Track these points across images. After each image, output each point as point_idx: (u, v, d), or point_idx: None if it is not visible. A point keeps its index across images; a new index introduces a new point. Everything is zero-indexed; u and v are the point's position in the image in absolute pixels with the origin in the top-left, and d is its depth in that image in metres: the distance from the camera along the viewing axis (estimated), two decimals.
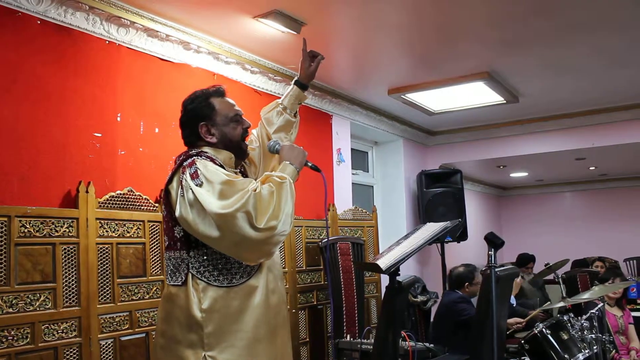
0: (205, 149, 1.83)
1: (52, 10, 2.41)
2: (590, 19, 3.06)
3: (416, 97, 4.41)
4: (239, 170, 1.96)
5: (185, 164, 1.74)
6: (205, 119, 1.84)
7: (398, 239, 2.27)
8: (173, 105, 2.86)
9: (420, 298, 4.09)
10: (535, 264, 6.03)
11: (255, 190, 1.64)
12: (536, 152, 5.35)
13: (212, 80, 3.14)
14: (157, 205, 2.65)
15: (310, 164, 1.92)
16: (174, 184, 1.75)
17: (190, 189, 1.66)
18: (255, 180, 1.81)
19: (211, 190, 1.64)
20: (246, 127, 1.89)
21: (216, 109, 1.84)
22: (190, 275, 1.72)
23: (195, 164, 1.71)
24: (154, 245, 2.61)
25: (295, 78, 2.22)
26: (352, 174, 4.69)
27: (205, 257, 1.71)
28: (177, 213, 1.70)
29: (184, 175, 1.70)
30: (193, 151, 1.83)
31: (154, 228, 2.61)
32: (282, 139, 2.14)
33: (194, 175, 1.68)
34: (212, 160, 1.76)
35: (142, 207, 2.59)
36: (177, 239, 1.76)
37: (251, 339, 1.73)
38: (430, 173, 5.30)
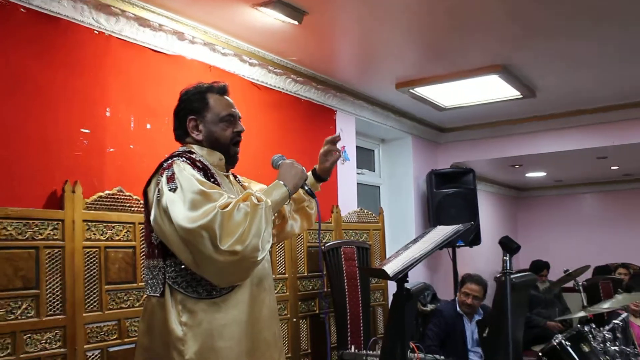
0: (195, 147, 1.84)
1: None
2: (611, 9, 3.04)
3: (426, 91, 4.39)
4: (232, 175, 1.95)
5: (164, 165, 1.74)
6: (195, 113, 1.84)
7: (406, 243, 2.24)
8: (166, 99, 2.86)
9: (430, 307, 4.08)
10: (549, 271, 6.02)
11: (225, 207, 1.61)
12: (554, 150, 5.33)
13: (208, 73, 3.14)
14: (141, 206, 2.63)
15: (307, 188, 1.92)
16: (152, 186, 1.75)
17: (165, 193, 1.65)
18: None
19: (182, 198, 1.62)
20: (238, 131, 1.88)
21: (209, 105, 1.84)
22: (167, 285, 1.70)
23: (173, 166, 1.70)
24: (145, 250, 2.55)
25: (315, 166, 2.15)
26: (357, 173, 4.69)
27: (182, 266, 1.69)
28: (151, 218, 1.69)
29: (161, 178, 1.69)
30: (178, 150, 1.83)
31: (144, 231, 2.56)
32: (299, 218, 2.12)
33: (170, 179, 1.66)
34: (193, 162, 1.74)
35: (133, 209, 2.58)
36: (154, 246, 1.75)
37: (236, 357, 1.70)
38: (440, 172, 5.29)
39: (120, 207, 2.54)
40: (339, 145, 2.16)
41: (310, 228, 2.20)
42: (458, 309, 3.68)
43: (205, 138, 1.83)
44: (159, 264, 1.73)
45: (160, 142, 2.84)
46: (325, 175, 2.10)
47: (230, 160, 1.90)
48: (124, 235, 2.53)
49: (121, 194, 2.56)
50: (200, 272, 1.65)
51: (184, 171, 1.67)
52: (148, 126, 2.83)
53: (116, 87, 2.72)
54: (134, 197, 2.60)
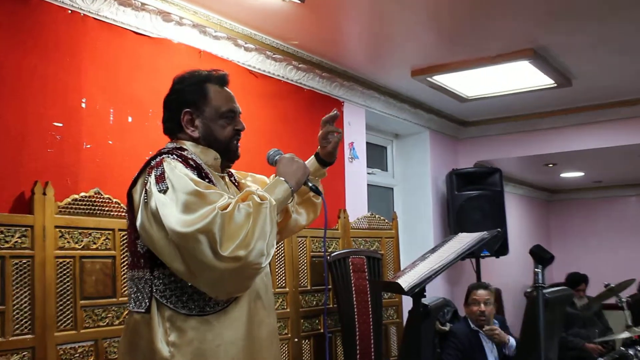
0: (188, 144, 1.84)
1: None
2: None
3: (445, 79, 4.37)
4: (227, 176, 1.96)
5: (152, 163, 1.74)
6: (191, 105, 1.84)
7: (424, 253, 2.36)
8: (150, 88, 2.88)
9: (450, 326, 4.06)
10: (588, 286, 5.99)
11: (225, 208, 1.62)
12: (593, 147, 5.33)
13: (198, 58, 3.14)
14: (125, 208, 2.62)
15: (311, 184, 1.93)
16: (138, 187, 1.75)
17: (154, 195, 1.65)
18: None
19: (175, 200, 1.63)
20: (238, 129, 1.90)
21: (208, 97, 1.85)
22: (154, 300, 1.70)
23: (163, 164, 1.70)
24: (126, 259, 2.53)
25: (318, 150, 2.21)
26: (368, 173, 4.67)
27: (172, 278, 1.70)
28: (137, 223, 1.69)
29: (149, 178, 1.69)
30: (168, 146, 1.84)
31: (126, 238, 2.56)
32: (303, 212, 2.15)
33: (160, 179, 1.67)
34: (186, 161, 1.75)
35: (112, 213, 2.58)
36: (139, 255, 1.75)
37: None
38: (462, 172, 5.29)
39: (98, 212, 2.54)
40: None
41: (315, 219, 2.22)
42: (472, 325, 3.70)
43: (202, 135, 1.84)
44: (145, 276, 1.73)
45: (144, 137, 2.84)
46: (330, 158, 2.13)
47: (231, 158, 1.91)
48: (102, 243, 2.52)
49: (99, 196, 2.56)
50: (196, 283, 1.66)
51: (175, 169, 1.68)
52: (130, 119, 2.82)
53: (93, 75, 2.72)
54: (114, 199, 2.60)
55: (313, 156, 2.15)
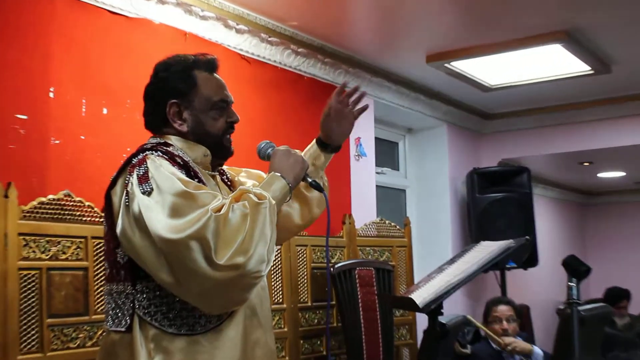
0: (174, 139, 1.85)
1: None
2: None
3: (466, 66, 4.38)
4: (219, 175, 1.97)
5: (134, 160, 1.74)
6: (178, 96, 1.84)
7: (441, 265, 2.30)
8: (129, 76, 2.88)
9: (471, 348, 4.05)
10: (631, 302, 5.96)
11: (219, 210, 1.62)
12: (635, 143, 5.32)
13: (183, 41, 3.14)
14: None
15: (310, 180, 1.93)
16: (118, 188, 1.75)
17: (136, 197, 1.66)
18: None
19: (161, 202, 1.63)
20: (232, 122, 1.91)
21: (198, 86, 1.85)
22: (136, 317, 1.70)
23: (146, 162, 1.71)
24: (101, 271, 2.56)
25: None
26: (377, 173, 4.69)
27: (157, 292, 1.70)
28: (118, 230, 1.69)
29: (131, 178, 1.70)
30: (151, 142, 1.84)
31: (101, 247, 2.52)
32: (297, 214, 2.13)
33: (143, 179, 1.67)
34: (172, 158, 1.76)
35: (85, 218, 2.58)
36: (119, 266, 1.75)
37: None
38: (485, 172, 5.31)
39: (69, 217, 2.53)
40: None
41: (310, 218, 2.16)
42: (494, 346, 3.69)
43: (191, 129, 1.85)
44: (127, 289, 1.73)
45: (121, 131, 2.84)
46: (340, 139, 2.09)
47: (223, 154, 1.92)
48: (73, 252, 2.52)
49: (69, 199, 2.55)
50: (186, 296, 1.66)
51: (160, 168, 1.68)
52: (105, 111, 2.82)
53: (63, 60, 2.71)
54: (87, 203, 2.60)
55: (313, 142, 2.13)
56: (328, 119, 2.06)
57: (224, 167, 2.05)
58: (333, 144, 2.09)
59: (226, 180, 2.02)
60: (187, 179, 1.70)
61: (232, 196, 1.69)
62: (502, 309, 3.75)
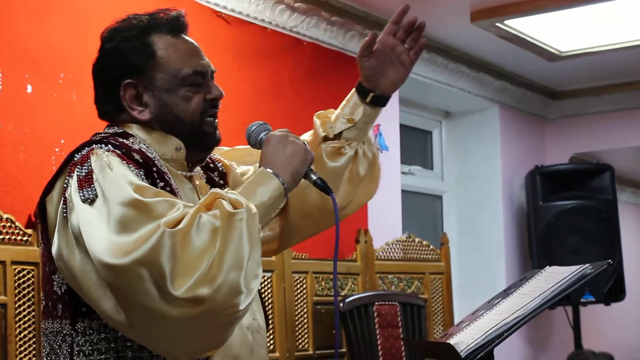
0: (136, 128, 1.87)
1: None
2: None
3: (525, 25, 4.44)
4: (204, 173, 1.98)
5: (77, 157, 1.74)
6: (133, 73, 1.85)
7: (491, 298, 2.29)
8: (63, 42, 2.92)
9: None
10: None
11: (176, 224, 1.59)
12: None
13: None
14: (30, 232, 2.67)
15: (314, 177, 1.90)
16: (55, 194, 1.76)
17: (75, 207, 1.66)
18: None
19: (105, 214, 1.63)
20: (213, 99, 1.91)
21: (157, 56, 1.86)
22: None
23: (90, 159, 1.71)
24: (25, 307, 2.65)
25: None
26: (403, 173, 4.79)
27: (102, 335, 1.71)
28: (53, 250, 1.69)
29: (70, 180, 1.70)
30: (105, 132, 1.85)
31: (25, 275, 2.64)
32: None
33: (84, 182, 1.68)
34: (128, 153, 1.75)
35: (2, 237, 2.63)
36: (56, 298, 1.75)
37: None
38: (552, 171, 5.41)
39: None
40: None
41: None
42: None
43: (155, 116, 1.87)
44: (64, 329, 1.74)
45: (51, 117, 2.87)
46: (385, 89, 2.09)
47: (204, 145, 1.93)
48: None
49: None
50: (137, 337, 1.66)
51: (106, 169, 1.69)
52: (29, 89, 2.86)
53: None
54: (5, 215, 2.65)
55: (353, 90, 2.11)
56: (374, 56, 2.04)
57: (216, 155, 2.07)
58: (377, 92, 2.08)
59: (217, 178, 2.04)
60: (143, 183, 1.69)
61: (202, 203, 1.66)
62: None
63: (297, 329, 3.47)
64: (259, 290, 1.92)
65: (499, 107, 5.34)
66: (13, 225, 2.60)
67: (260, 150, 1.92)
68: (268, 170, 1.81)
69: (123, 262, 1.57)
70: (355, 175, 2.16)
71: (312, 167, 1.94)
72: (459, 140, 5.48)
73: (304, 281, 3.53)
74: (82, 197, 1.67)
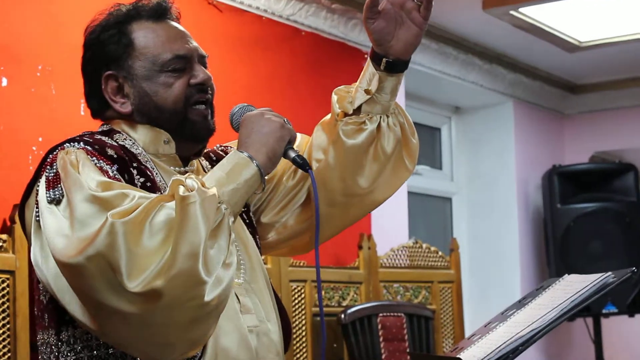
0: (125, 126, 1.91)
1: None
2: None
3: (540, 13, 4.48)
4: (209, 167, 2.00)
5: (49, 157, 1.78)
6: (112, 63, 1.88)
7: (505, 309, 2.26)
8: (40, 31, 2.97)
9: None
10: None
11: (126, 215, 1.58)
12: None
13: None
14: (5, 237, 2.77)
15: (293, 155, 1.87)
16: (32, 200, 1.80)
17: (42, 210, 1.70)
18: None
19: (70, 214, 1.64)
20: (198, 83, 1.89)
21: (135, 44, 1.88)
22: None
23: (56, 160, 1.73)
24: (8, 322, 2.74)
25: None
26: None
27: (85, 343, 1.74)
28: (32, 257, 1.75)
29: (41, 182, 1.75)
30: (86, 133, 1.87)
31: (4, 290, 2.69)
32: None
33: (52, 183, 1.71)
34: (102, 149, 1.76)
35: None
36: (43, 307, 1.80)
37: None
38: (571, 171, 5.42)
39: None
40: None
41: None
42: None
43: (136, 107, 1.89)
44: (51, 339, 1.78)
45: (28, 113, 2.92)
46: (400, 51, 1.98)
47: (194, 135, 1.92)
48: None
49: None
50: (113, 342, 1.69)
51: (69, 167, 1.70)
52: (4, 82, 2.92)
53: None
54: None
55: (369, 60, 2.02)
56: (381, 17, 1.96)
57: (225, 145, 2.08)
58: (390, 57, 1.97)
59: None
60: (106, 179, 1.68)
61: (167, 193, 1.66)
62: None
63: (295, 341, 3.41)
64: (277, 296, 1.96)
65: (513, 101, 5.32)
66: None
67: None
68: (242, 152, 1.80)
69: (77, 260, 1.59)
70: (380, 152, 2.06)
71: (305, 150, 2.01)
72: (470, 137, 5.46)
73: (302, 290, 3.51)
74: (49, 198, 1.71)
